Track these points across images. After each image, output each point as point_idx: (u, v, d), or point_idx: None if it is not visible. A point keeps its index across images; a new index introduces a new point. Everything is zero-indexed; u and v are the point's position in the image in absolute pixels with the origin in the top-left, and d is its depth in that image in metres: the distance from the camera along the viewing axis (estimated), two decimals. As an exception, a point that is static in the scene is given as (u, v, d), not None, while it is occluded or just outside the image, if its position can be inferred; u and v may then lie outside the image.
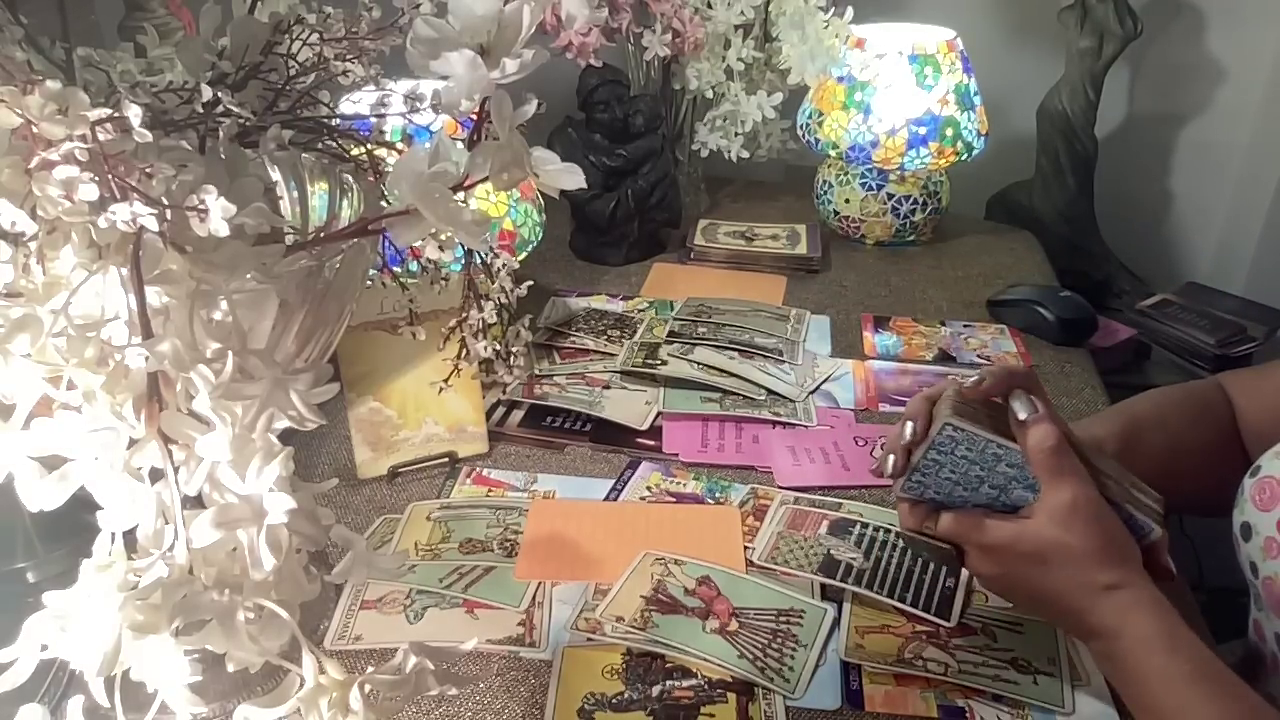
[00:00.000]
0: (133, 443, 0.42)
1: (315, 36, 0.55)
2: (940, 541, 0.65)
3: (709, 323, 1.08)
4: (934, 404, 0.64)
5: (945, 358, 1.05)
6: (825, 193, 1.33)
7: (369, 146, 0.57)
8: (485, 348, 0.67)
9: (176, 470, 0.42)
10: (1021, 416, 0.60)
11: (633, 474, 0.86)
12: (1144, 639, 0.56)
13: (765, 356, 1.02)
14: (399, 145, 0.58)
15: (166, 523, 0.43)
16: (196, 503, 0.42)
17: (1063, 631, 0.69)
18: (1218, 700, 0.54)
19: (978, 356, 1.05)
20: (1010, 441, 0.61)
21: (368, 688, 0.44)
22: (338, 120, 0.56)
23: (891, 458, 0.62)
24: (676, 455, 0.89)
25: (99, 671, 0.42)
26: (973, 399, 0.63)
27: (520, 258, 1.03)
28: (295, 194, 0.56)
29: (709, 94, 1.29)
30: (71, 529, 0.62)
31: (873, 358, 1.05)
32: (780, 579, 0.74)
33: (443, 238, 0.62)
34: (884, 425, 0.93)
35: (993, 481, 0.62)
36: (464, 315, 0.66)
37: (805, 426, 0.93)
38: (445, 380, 0.71)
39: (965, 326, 1.12)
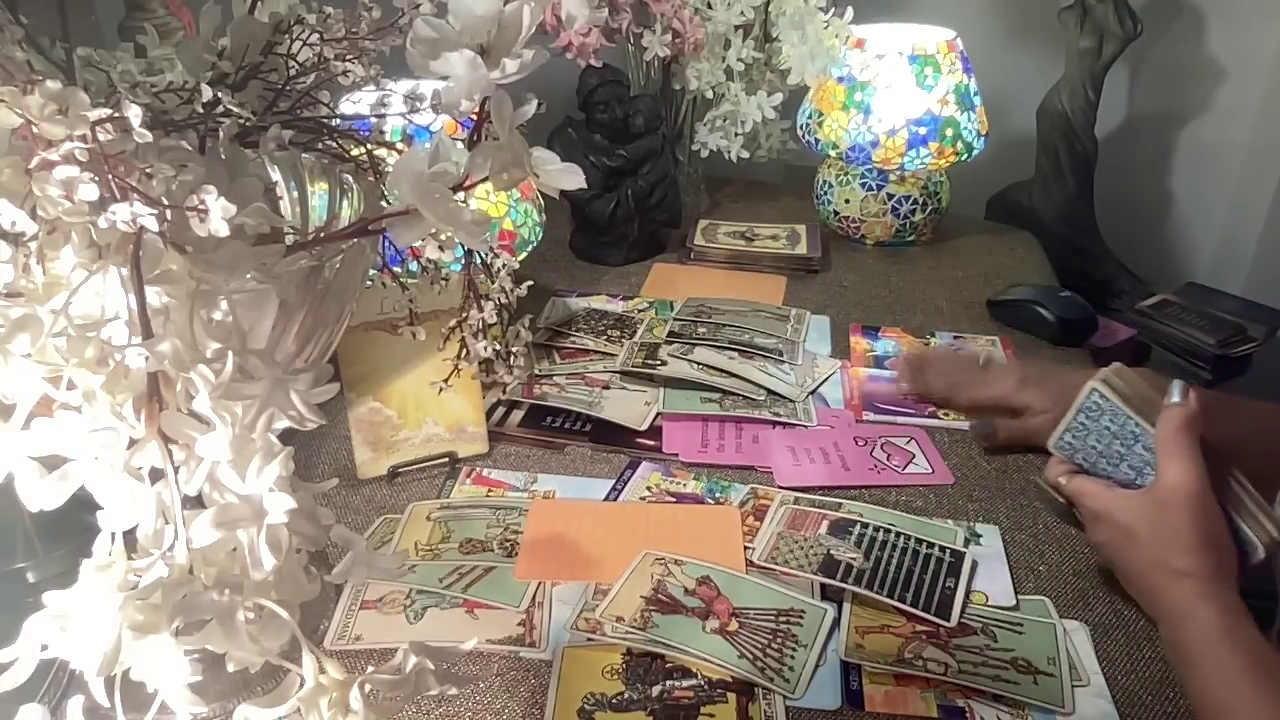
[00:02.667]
0: (133, 443, 0.42)
1: (315, 36, 0.55)
2: (1065, 500, 0.69)
3: (709, 323, 1.08)
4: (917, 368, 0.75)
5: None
6: (825, 193, 1.33)
7: (369, 146, 0.57)
8: (485, 348, 0.67)
9: (176, 470, 0.42)
10: (1170, 400, 0.61)
11: (633, 474, 0.86)
12: (1206, 628, 0.57)
13: (765, 356, 1.02)
14: (399, 145, 0.58)
15: (166, 523, 0.43)
16: (196, 503, 0.42)
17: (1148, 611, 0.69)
18: (1272, 698, 0.54)
19: None
20: (1152, 426, 0.62)
21: (368, 688, 0.44)
22: (338, 120, 0.56)
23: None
24: (676, 455, 0.89)
25: (99, 671, 0.42)
26: (1133, 378, 0.65)
27: (520, 258, 1.03)
28: (295, 194, 0.56)
29: (709, 94, 1.29)
30: (71, 529, 0.62)
31: (862, 365, 1.03)
32: (780, 579, 0.74)
33: (443, 238, 0.62)
34: (885, 426, 0.93)
35: (1131, 462, 0.64)
36: (464, 315, 0.66)
37: (805, 426, 0.93)
38: (445, 380, 0.71)
39: (955, 338, 1.09)
